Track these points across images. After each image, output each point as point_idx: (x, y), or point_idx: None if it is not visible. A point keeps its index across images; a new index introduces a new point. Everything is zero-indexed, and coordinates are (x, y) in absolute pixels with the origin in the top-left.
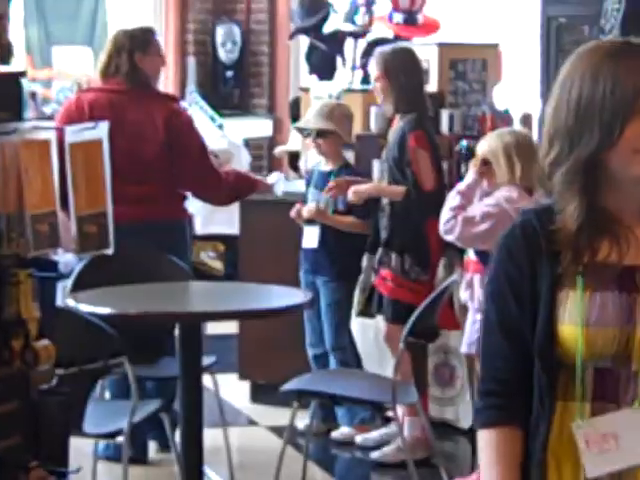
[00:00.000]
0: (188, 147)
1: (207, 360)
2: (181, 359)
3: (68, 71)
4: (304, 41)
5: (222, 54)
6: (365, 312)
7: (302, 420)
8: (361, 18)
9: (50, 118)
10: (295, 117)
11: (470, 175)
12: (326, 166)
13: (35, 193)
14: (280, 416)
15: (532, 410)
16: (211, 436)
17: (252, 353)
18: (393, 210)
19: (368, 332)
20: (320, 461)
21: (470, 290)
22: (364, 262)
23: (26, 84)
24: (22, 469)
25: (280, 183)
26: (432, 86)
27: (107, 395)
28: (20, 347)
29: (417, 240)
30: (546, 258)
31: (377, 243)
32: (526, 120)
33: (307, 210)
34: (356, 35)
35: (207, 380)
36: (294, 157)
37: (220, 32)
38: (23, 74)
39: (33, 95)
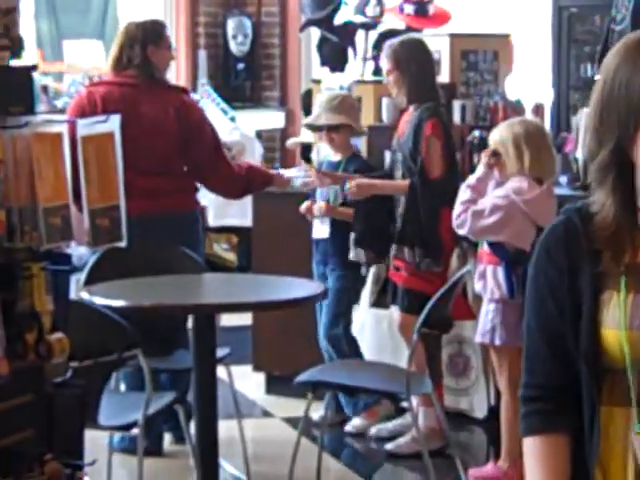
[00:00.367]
0: (200, 139)
1: (221, 352)
2: (195, 351)
3: (79, 64)
4: (315, 33)
5: (233, 47)
6: (379, 303)
7: (317, 411)
8: (372, 10)
9: (62, 111)
10: (307, 109)
11: (480, 168)
12: (335, 156)
13: (47, 186)
14: (295, 407)
15: (578, 416)
16: (226, 428)
17: (266, 344)
18: (406, 201)
19: (382, 323)
20: (335, 452)
21: (483, 281)
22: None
23: (37, 78)
24: (37, 462)
25: (300, 178)
26: (444, 77)
27: (122, 387)
28: (34, 340)
29: (428, 231)
30: (587, 258)
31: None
32: (538, 110)
33: (317, 208)
34: (367, 27)
35: (221, 372)
36: (306, 149)
37: (231, 25)
38: (34, 68)
39: (44, 89)
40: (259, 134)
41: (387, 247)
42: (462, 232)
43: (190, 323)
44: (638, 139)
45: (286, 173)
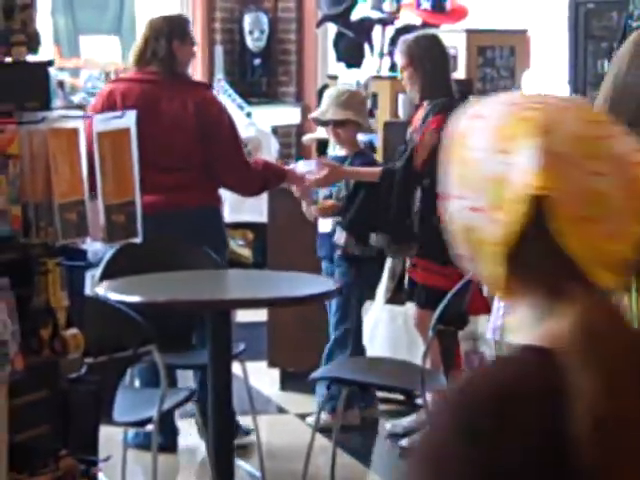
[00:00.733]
0: (218, 135)
1: (236, 348)
2: (210, 347)
3: (96, 60)
4: (332, 29)
5: (250, 42)
6: (394, 299)
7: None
8: (389, 5)
9: (79, 107)
10: None
11: None
12: (341, 151)
13: (63, 182)
14: (309, 404)
15: None
16: (240, 424)
17: (281, 341)
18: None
19: (397, 319)
20: (349, 448)
21: None
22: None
23: (54, 73)
24: (52, 457)
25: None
26: (460, 73)
27: (137, 383)
28: (49, 336)
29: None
30: None
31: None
32: None
33: (321, 208)
34: (384, 22)
35: (236, 368)
36: (322, 145)
37: (247, 20)
38: (51, 63)
39: (61, 84)
40: (275, 130)
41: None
42: None
43: (205, 319)
44: None
45: (299, 167)
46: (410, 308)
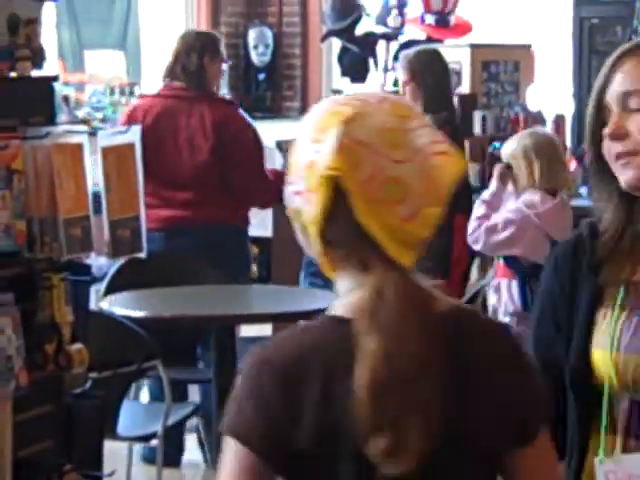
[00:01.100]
0: (239, 154)
1: (241, 362)
2: (215, 362)
3: (101, 75)
4: (336, 43)
5: (254, 57)
6: None
7: None
8: (393, 20)
9: (84, 122)
10: None
11: (493, 182)
12: None
13: (68, 197)
14: None
15: (562, 435)
16: None
17: None
18: None
19: None
20: None
21: (498, 294)
22: None
23: (58, 88)
24: (56, 473)
25: None
26: (464, 87)
27: (146, 397)
28: (53, 351)
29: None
30: (587, 271)
31: None
32: (559, 121)
33: None
34: (388, 37)
35: None
36: None
37: (252, 35)
38: (55, 78)
39: (66, 99)
40: (279, 145)
41: None
42: (477, 248)
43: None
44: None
45: None
46: None
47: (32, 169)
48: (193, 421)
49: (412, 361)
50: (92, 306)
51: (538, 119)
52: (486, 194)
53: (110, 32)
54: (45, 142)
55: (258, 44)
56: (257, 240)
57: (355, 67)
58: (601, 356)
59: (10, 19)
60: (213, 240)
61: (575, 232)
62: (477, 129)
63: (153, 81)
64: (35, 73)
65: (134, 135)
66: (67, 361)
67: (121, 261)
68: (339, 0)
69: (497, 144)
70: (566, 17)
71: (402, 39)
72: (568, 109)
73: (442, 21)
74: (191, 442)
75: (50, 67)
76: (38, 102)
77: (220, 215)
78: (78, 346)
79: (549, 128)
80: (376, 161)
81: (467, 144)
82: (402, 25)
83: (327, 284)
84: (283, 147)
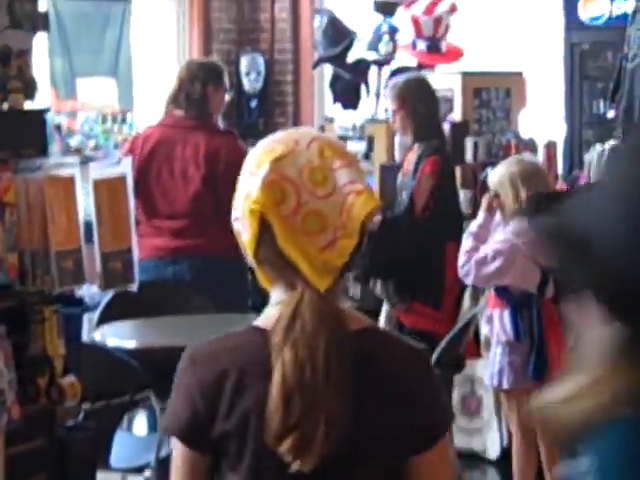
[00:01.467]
0: (229, 184)
1: None
2: None
3: (93, 102)
4: (328, 70)
5: (246, 84)
6: None
7: None
8: (385, 46)
9: (76, 151)
10: None
11: (481, 214)
12: None
13: (60, 230)
14: None
15: None
16: None
17: None
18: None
19: None
20: None
21: (490, 325)
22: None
23: (51, 116)
24: None
25: None
26: (456, 114)
27: (145, 428)
28: (46, 384)
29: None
30: None
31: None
32: (550, 147)
33: None
34: (380, 63)
35: None
36: None
37: (244, 62)
38: (47, 110)
39: (58, 127)
40: None
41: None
42: (468, 281)
43: None
44: None
45: None
46: None
47: (24, 202)
48: None
49: (318, 371)
50: (85, 335)
51: (530, 145)
52: (473, 226)
53: (102, 60)
54: (37, 175)
55: (250, 71)
56: (251, 269)
57: (347, 93)
58: None
59: (2, 51)
60: (209, 270)
61: None
62: (469, 156)
63: (145, 108)
64: (27, 105)
65: (125, 167)
66: (59, 394)
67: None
68: (331, 27)
69: (489, 171)
70: (557, 43)
71: (394, 65)
72: (560, 134)
73: (433, 47)
74: None
75: (42, 95)
76: (30, 134)
77: (216, 245)
78: (70, 379)
79: (540, 154)
80: (300, 195)
81: (458, 171)
82: (394, 51)
83: None
84: None
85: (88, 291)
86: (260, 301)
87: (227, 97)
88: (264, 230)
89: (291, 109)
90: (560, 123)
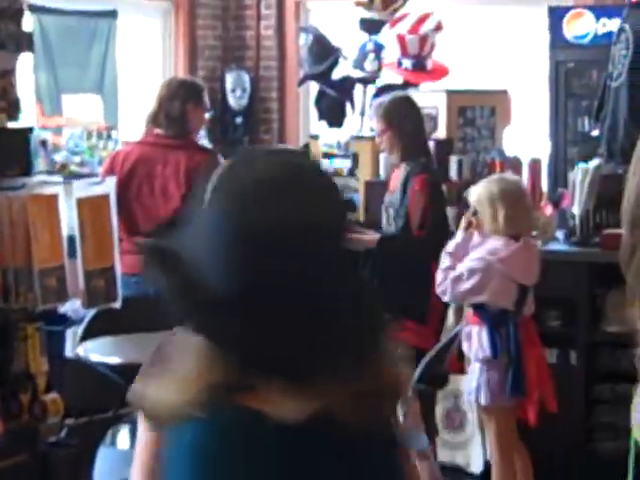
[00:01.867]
0: None
1: None
2: None
3: (78, 118)
4: (313, 87)
5: (232, 101)
6: None
7: None
8: (370, 64)
9: (62, 167)
10: None
11: (459, 233)
12: None
13: (43, 248)
14: None
15: None
16: None
17: None
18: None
19: None
20: None
21: (469, 342)
22: None
23: (36, 132)
24: None
25: None
26: (441, 132)
27: (128, 442)
28: (28, 401)
29: (412, 289)
30: None
31: None
32: (535, 165)
33: None
34: (365, 81)
35: None
36: None
37: (229, 79)
38: (31, 130)
39: (43, 143)
40: None
41: None
42: (445, 299)
43: None
44: None
45: None
46: None
47: (7, 219)
48: None
49: None
50: (69, 350)
51: (514, 163)
52: (450, 246)
53: (87, 76)
54: (21, 193)
55: (235, 88)
56: None
57: (332, 111)
58: None
59: None
60: None
61: None
62: (453, 174)
63: (130, 125)
64: (11, 125)
65: (109, 186)
66: (42, 411)
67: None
68: (316, 44)
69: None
70: (542, 61)
71: (379, 83)
72: (545, 152)
73: (419, 65)
74: None
75: (27, 113)
76: (14, 153)
77: None
78: (53, 396)
79: (525, 172)
80: None
81: (443, 189)
82: (379, 69)
83: None
84: None
85: (72, 306)
86: None
87: (207, 116)
88: None
89: (276, 126)
90: (545, 141)
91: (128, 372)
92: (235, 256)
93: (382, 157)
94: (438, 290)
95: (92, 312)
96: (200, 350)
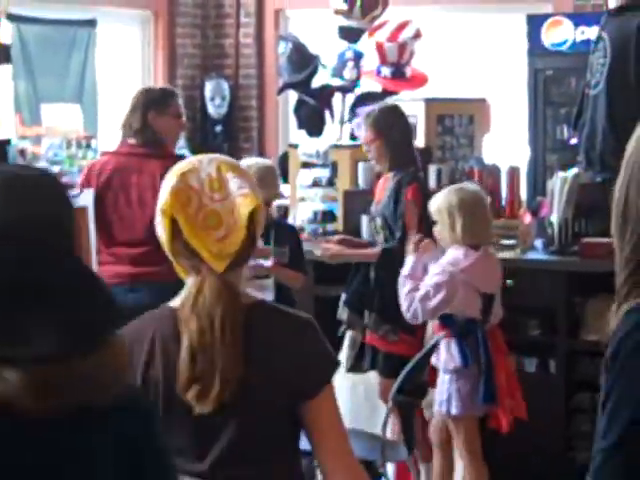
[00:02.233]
0: None
1: None
2: None
3: (57, 128)
4: (292, 96)
5: (211, 109)
6: (356, 368)
7: None
8: (349, 72)
9: None
10: (284, 172)
11: (409, 257)
12: None
13: None
14: None
15: None
16: None
17: None
18: (375, 267)
19: (358, 388)
20: None
21: (437, 353)
22: (343, 316)
23: (15, 142)
24: None
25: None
26: (419, 141)
27: None
28: None
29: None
30: None
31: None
32: (513, 173)
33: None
34: (344, 89)
35: None
36: (284, 212)
37: (209, 87)
38: (8, 142)
39: (22, 152)
40: None
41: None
42: (418, 321)
43: None
44: None
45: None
46: (371, 377)
47: None
48: None
49: (216, 336)
50: None
51: (493, 172)
52: (406, 269)
53: (67, 85)
54: None
55: (215, 96)
56: None
57: (311, 119)
58: None
59: None
60: (167, 297)
61: None
62: (432, 182)
63: (110, 134)
64: None
65: (87, 199)
66: None
67: None
68: (295, 53)
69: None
70: (521, 68)
71: (358, 91)
72: (523, 160)
73: (398, 73)
74: None
75: (6, 121)
76: None
77: (174, 272)
78: None
79: (504, 180)
80: (201, 199)
81: None
82: (358, 77)
83: None
84: None
85: None
86: None
87: (183, 120)
88: (174, 227)
89: (256, 134)
90: (524, 148)
91: None
92: None
93: (361, 166)
94: (408, 316)
95: None
96: None
